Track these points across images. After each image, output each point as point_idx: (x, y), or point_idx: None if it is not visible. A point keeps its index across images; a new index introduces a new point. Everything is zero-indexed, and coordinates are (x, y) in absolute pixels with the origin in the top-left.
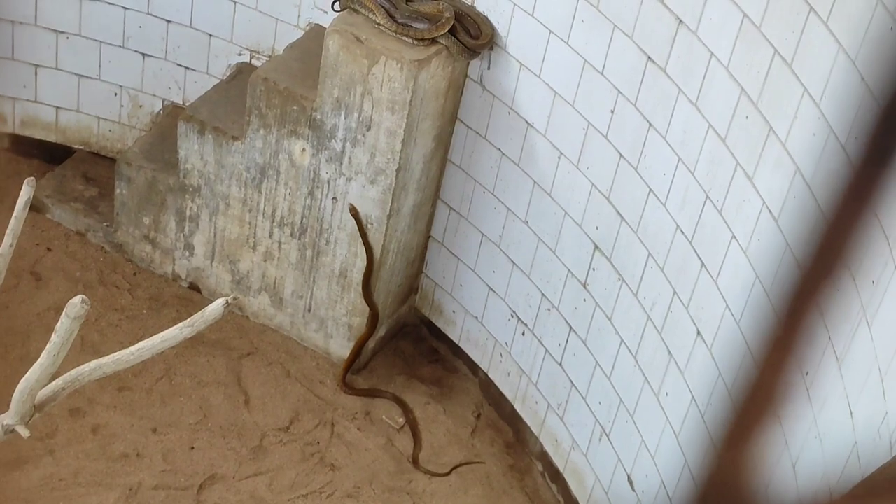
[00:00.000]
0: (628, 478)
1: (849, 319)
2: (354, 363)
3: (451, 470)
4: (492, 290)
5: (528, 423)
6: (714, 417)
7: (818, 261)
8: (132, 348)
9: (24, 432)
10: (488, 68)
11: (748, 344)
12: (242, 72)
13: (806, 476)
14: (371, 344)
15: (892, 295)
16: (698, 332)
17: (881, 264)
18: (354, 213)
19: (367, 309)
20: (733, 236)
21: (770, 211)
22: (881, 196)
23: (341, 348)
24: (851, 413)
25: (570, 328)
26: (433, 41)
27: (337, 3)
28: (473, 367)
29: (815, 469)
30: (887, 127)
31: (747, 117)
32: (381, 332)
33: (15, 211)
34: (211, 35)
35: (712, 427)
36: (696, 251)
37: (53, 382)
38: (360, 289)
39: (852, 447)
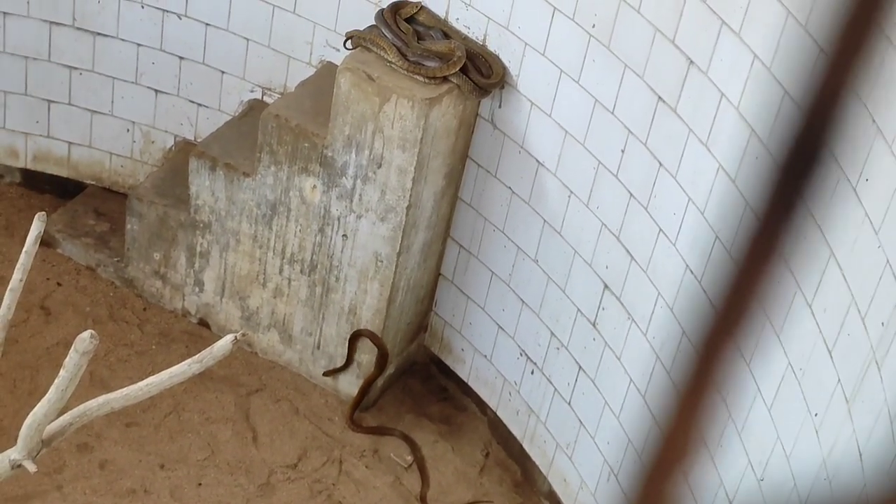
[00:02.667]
0: None
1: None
2: (363, 401)
3: None
4: (501, 328)
5: (537, 462)
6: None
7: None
8: (141, 384)
9: (31, 467)
10: (499, 107)
11: (755, 380)
12: (254, 108)
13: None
14: (380, 382)
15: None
16: None
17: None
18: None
19: (376, 348)
20: None
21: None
22: (787, 241)
23: (350, 385)
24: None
25: (580, 367)
26: (444, 80)
27: (349, 41)
28: (482, 406)
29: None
30: (788, 172)
31: (757, 158)
32: (390, 369)
33: (26, 245)
34: (223, 72)
35: (722, 466)
36: (705, 292)
37: (61, 417)
38: (369, 326)
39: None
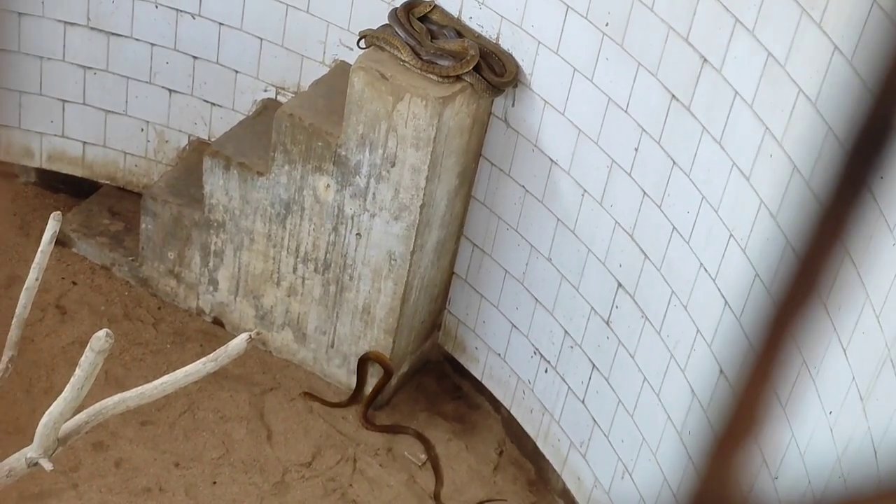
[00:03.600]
0: None
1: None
2: (376, 399)
3: None
4: (515, 326)
5: (551, 460)
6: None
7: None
8: (155, 382)
9: (47, 465)
10: (512, 105)
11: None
12: (268, 108)
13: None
14: (394, 381)
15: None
16: (721, 371)
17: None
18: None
19: (390, 345)
20: (757, 275)
21: (794, 250)
22: (850, 230)
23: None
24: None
25: (593, 365)
26: (458, 78)
27: (362, 40)
28: (496, 404)
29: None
30: (855, 163)
31: (771, 156)
32: (404, 368)
33: (41, 245)
34: (237, 71)
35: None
36: (719, 290)
37: (77, 416)
38: (382, 325)
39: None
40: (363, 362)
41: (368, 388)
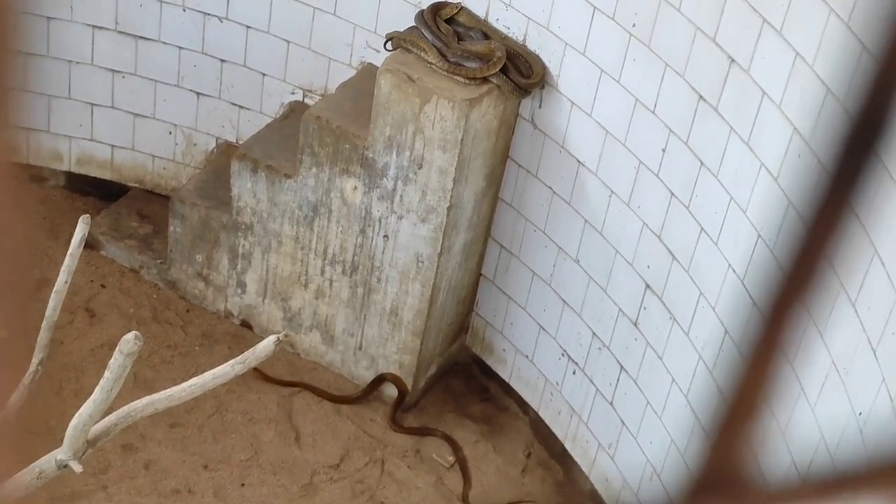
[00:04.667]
0: None
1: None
2: (404, 401)
3: None
4: (542, 328)
5: (579, 462)
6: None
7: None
8: (184, 385)
9: (77, 467)
10: (539, 107)
11: (798, 379)
12: (295, 110)
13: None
14: (421, 383)
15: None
16: None
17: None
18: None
19: (418, 347)
20: None
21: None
22: (857, 197)
23: (392, 386)
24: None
25: (622, 367)
26: (485, 80)
27: (389, 42)
28: (524, 406)
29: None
30: (859, 135)
31: (800, 156)
32: (431, 370)
33: (70, 248)
34: (264, 74)
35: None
36: (748, 291)
37: (106, 418)
38: (410, 327)
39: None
40: (379, 381)
41: (374, 399)
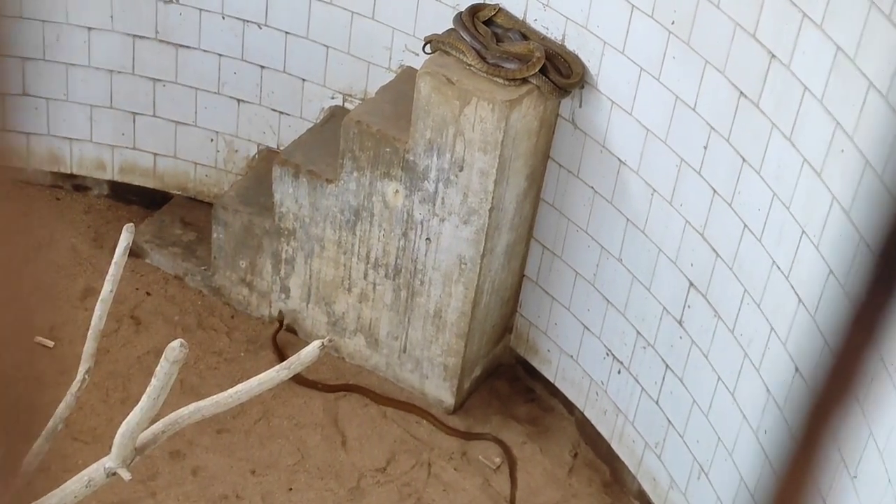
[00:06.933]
0: None
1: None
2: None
3: None
4: (587, 328)
5: (626, 461)
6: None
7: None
8: (230, 391)
9: (125, 475)
10: (580, 107)
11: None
12: (335, 115)
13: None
14: (466, 384)
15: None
16: (797, 369)
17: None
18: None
19: (462, 349)
20: (830, 272)
21: (868, 245)
22: (885, 328)
23: (437, 389)
24: None
25: (667, 366)
26: (524, 81)
27: (428, 45)
28: (569, 406)
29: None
30: (888, 261)
31: (843, 151)
32: (476, 372)
33: (115, 256)
34: (304, 80)
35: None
36: (793, 287)
37: (154, 425)
38: (454, 329)
39: None
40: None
41: (420, 402)
